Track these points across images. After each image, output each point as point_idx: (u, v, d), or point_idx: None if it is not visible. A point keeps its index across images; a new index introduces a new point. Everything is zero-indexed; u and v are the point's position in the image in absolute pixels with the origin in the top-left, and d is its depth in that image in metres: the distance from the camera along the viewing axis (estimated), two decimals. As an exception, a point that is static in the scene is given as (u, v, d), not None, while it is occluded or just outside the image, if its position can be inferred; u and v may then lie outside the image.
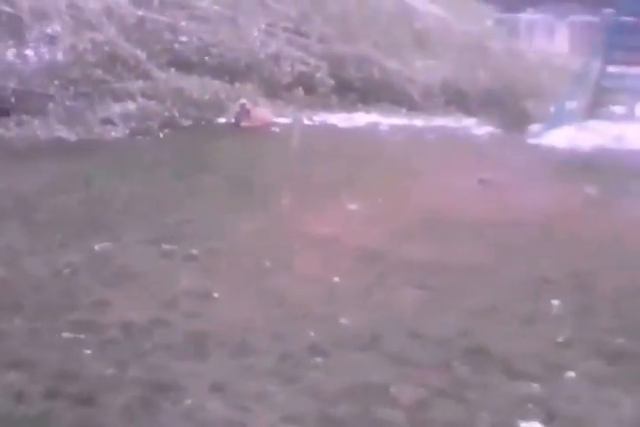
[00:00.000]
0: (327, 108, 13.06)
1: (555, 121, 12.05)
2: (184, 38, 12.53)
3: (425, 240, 6.78)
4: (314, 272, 5.95)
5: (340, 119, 12.66)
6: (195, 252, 6.32)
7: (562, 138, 11.59)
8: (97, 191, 8.17)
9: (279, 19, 13.51)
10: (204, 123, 11.69)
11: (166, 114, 11.26)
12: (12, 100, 11.11)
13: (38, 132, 10.61)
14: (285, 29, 13.44)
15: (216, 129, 11.45)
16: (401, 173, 9.30)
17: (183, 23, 12.64)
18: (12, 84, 11.14)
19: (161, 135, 11.08)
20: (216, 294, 5.51)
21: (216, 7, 13.04)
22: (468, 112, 13.48)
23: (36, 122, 10.74)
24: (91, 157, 9.59)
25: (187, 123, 11.51)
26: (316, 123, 12.37)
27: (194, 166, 9.31)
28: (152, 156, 9.85)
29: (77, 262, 6.02)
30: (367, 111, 13.15)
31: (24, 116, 10.77)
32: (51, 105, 11.15)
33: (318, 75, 13.01)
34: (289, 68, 12.85)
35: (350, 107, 13.25)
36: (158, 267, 6.03)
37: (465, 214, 7.45)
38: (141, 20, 12.34)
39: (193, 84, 11.79)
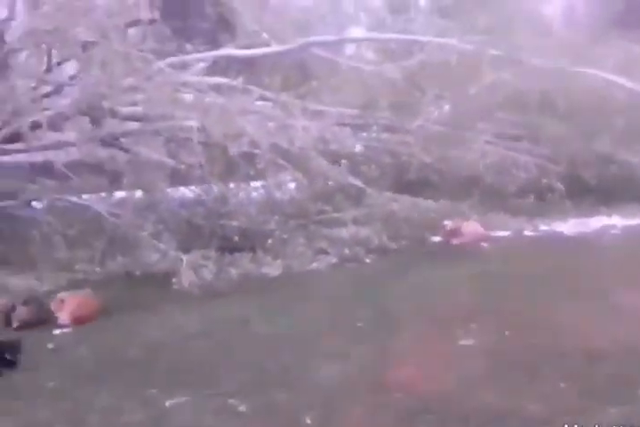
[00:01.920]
0: (561, 214, 11.77)
1: None
2: (404, 158, 11.96)
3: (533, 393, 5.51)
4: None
5: (571, 226, 11.40)
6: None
7: None
8: (239, 334, 7.85)
9: (504, 127, 12.50)
10: (414, 243, 10.96)
11: (375, 239, 10.65)
12: (236, 238, 11.18)
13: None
14: (510, 137, 12.41)
15: (424, 250, 10.72)
16: (583, 291, 8.08)
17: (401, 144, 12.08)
18: (235, 223, 11.23)
19: (367, 260, 10.69)
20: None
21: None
22: None
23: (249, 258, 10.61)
24: (275, 293, 9.44)
25: (395, 245, 10.82)
26: (540, 233, 11.18)
27: (374, 296, 8.83)
28: (339, 286, 9.56)
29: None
30: (607, 214, 11.67)
31: (237, 254, 10.69)
32: (269, 241, 11.06)
33: (545, 180, 11.78)
34: (513, 176, 11.71)
35: (588, 210, 11.84)
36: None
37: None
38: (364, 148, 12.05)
39: (405, 205, 11.16)
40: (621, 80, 11.90)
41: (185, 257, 10.17)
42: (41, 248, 10.79)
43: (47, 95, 13.59)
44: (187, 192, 12.35)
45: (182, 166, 11.72)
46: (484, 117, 12.50)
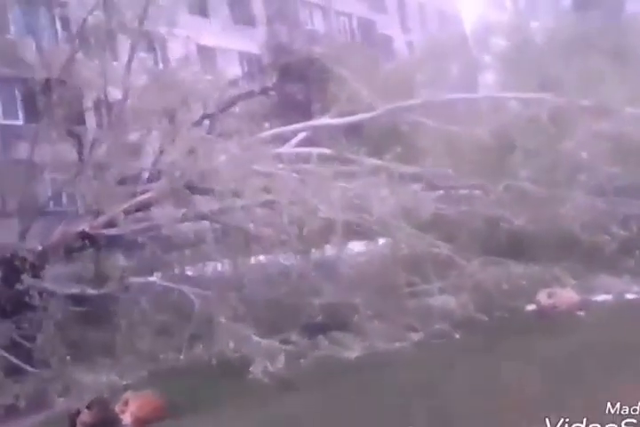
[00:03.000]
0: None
1: None
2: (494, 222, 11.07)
3: None
4: None
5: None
6: None
7: None
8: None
9: (603, 180, 11.36)
10: (506, 314, 9.99)
11: (464, 311, 9.78)
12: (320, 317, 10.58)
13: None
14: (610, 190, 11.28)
15: (516, 322, 9.78)
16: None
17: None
18: (318, 301, 10.65)
19: (457, 336, 9.77)
20: None
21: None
22: None
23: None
24: (349, 382, 8.59)
25: (486, 317, 9.89)
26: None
27: (458, 384, 7.72)
28: (421, 371, 8.51)
29: None
30: None
31: (319, 336, 10.06)
32: (356, 317, 10.40)
33: (646, 239, 10.60)
34: (612, 234, 10.58)
35: None
36: None
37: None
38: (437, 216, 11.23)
39: (494, 272, 10.24)
40: None
41: (263, 342, 9.74)
42: (126, 337, 10.60)
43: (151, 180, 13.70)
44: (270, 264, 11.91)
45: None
46: (581, 171, 11.36)
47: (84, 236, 12.35)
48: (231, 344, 10.04)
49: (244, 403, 8.45)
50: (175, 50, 29.23)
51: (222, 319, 10.32)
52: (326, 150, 13.62)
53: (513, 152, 11.59)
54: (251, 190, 11.39)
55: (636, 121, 11.17)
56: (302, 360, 9.60)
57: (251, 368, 9.27)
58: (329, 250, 11.69)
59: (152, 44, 21.01)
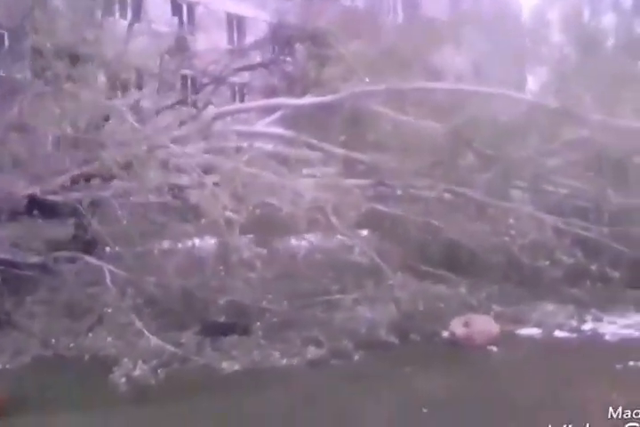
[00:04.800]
0: (623, 307, 8.80)
1: None
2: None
3: None
4: None
5: (620, 326, 8.43)
6: None
7: None
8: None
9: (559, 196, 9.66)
10: (419, 338, 8.40)
11: (363, 331, 8.23)
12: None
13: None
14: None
15: (426, 349, 8.29)
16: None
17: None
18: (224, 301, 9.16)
19: (356, 357, 8.27)
20: None
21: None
22: None
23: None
24: (213, 398, 7.26)
25: (396, 339, 8.32)
26: (576, 334, 8.29)
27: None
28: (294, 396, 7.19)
29: None
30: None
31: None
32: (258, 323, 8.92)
33: (594, 266, 8.81)
34: (556, 260, 8.85)
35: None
36: None
37: None
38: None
39: (412, 290, 8.62)
40: None
41: (152, 340, 8.30)
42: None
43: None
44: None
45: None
46: (536, 185, 9.60)
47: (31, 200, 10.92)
48: (109, 338, 8.65)
49: (90, 409, 7.12)
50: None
51: (109, 309, 8.92)
52: (286, 132, 12.18)
53: (466, 154, 9.85)
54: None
55: (605, 129, 9.33)
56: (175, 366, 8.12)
57: (115, 369, 7.85)
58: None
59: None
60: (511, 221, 9.16)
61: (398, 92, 11.39)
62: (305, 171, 10.94)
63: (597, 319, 8.74)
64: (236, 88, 26.98)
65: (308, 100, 12.25)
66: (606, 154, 9.41)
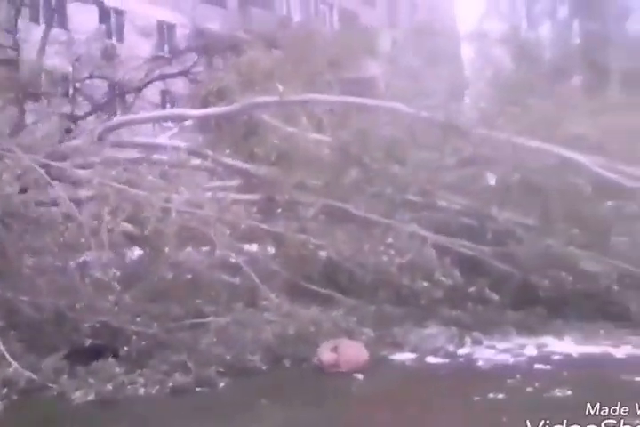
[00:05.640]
0: (504, 329, 8.25)
1: None
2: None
3: None
4: None
5: (504, 349, 7.86)
6: None
7: None
8: None
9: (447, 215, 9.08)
10: (288, 364, 7.76)
11: (228, 357, 7.56)
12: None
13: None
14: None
15: (293, 375, 7.66)
16: None
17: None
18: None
19: (221, 385, 7.56)
20: None
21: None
22: None
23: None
24: None
25: (261, 365, 7.67)
26: (450, 358, 7.72)
27: None
28: None
29: None
30: (558, 334, 8.05)
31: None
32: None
33: (472, 289, 8.26)
34: (436, 282, 8.27)
35: (540, 326, 8.26)
36: None
37: None
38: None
39: (285, 313, 8.00)
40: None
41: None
42: None
43: None
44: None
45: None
46: (425, 202, 9.04)
47: None
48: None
49: None
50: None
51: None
52: (181, 143, 11.53)
53: (351, 169, 9.25)
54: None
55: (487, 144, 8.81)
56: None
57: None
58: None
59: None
60: (390, 239, 8.60)
61: (290, 104, 10.85)
62: (199, 184, 10.39)
63: (477, 342, 8.21)
64: (167, 97, 26.36)
65: (201, 111, 11.63)
66: (494, 170, 8.94)
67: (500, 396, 6.28)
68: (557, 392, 6.29)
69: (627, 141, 9.56)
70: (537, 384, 6.55)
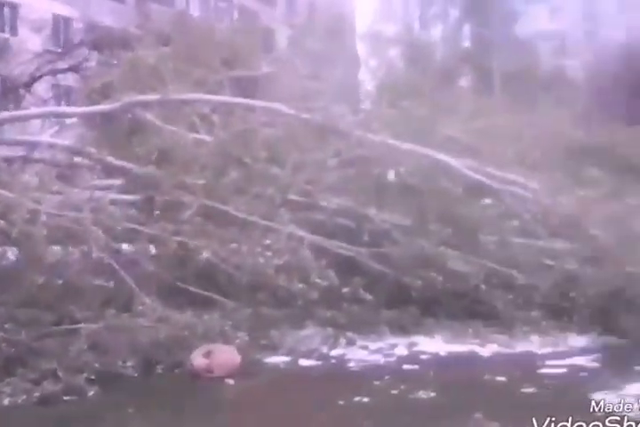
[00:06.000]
0: (375, 330, 8.20)
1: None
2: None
3: None
4: None
5: (377, 349, 7.81)
6: None
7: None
8: None
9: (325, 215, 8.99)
10: (161, 370, 7.49)
11: (96, 365, 7.23)
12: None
13: None
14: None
15: (165, 382, 7.35)
16: None
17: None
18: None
19: (91, 393, 7.21)
20: None
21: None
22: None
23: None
24: None
25: (133, 372, 7.37)
26: (322, 360, 7.63)
27: None
28: None
29: None
30: (429, 333, 8.05)
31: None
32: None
33: (347, 289, 8.20)
34: (308, 283, 8.18)
35: (414, 326, 8.26)
36: None
37: None
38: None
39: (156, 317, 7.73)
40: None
41: None
42: None
43: None
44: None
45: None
46: (306, 202, 8.94)
47: None
48: None
49: None
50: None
51: None
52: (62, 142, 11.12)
53: (231, 169, 9.06)
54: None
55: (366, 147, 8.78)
56: None
57: None
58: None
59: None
60: (268, 241, 8.47)
61: (173, 103, 10.58)
62: (77, 183, 10.00)
63: (351, 343, 8.16)
64: (60, 92, 25.51)
65: (82, 109, 11.25)
66: (369, 170, 8.92)
67: (366, 400, 6.26)
68: (422, 394, 6.32)
69: (499, 144, 9.73)
70: (403, 386, 6.57)
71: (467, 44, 38.11)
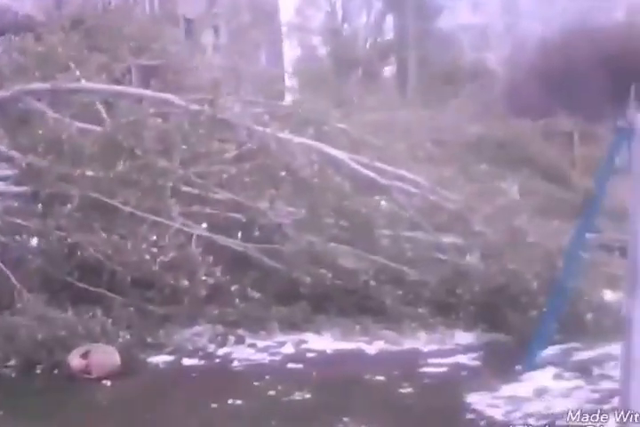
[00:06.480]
0: (265, 327, 7.94)
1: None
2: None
3: None
4: None
5: (264, 347, 7.56)
6: None
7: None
8: None
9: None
10: (39, 371, 7.14)
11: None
12: None
13: None
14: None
15: (41, 382, 7.04)
16: None
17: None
18: None
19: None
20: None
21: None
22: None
23: None
24: None
25: (12, 373, 7.25)
26: (206, 360, 7.35)
27: None
28: None
29: None
30: (318, 330, 7.82)
31: None
32: None
33: (236, 286, 7.94)
34: (195, 281, 7.84)
35: (304, 323, 8.04)
36: None
37: None
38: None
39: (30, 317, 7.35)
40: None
41: None
42: None
43: None
44: None
45: None
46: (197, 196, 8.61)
47: None
48: None
49: None
50: None
51: None
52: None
53: (120, 161, 8.65)
54: None
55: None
56: None
57: None
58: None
59: None
60: (155, 237, 8.13)
61: (63, 93, 10.10)
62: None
63: (240, 341, 7.89)
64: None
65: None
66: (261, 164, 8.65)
67: (239, 402, 6.01)
68: (297, 396, 6.10)
69: (393, 139, 9.57)
70: (280, 387, 6.35)
71: (390, 36, 38.07)
